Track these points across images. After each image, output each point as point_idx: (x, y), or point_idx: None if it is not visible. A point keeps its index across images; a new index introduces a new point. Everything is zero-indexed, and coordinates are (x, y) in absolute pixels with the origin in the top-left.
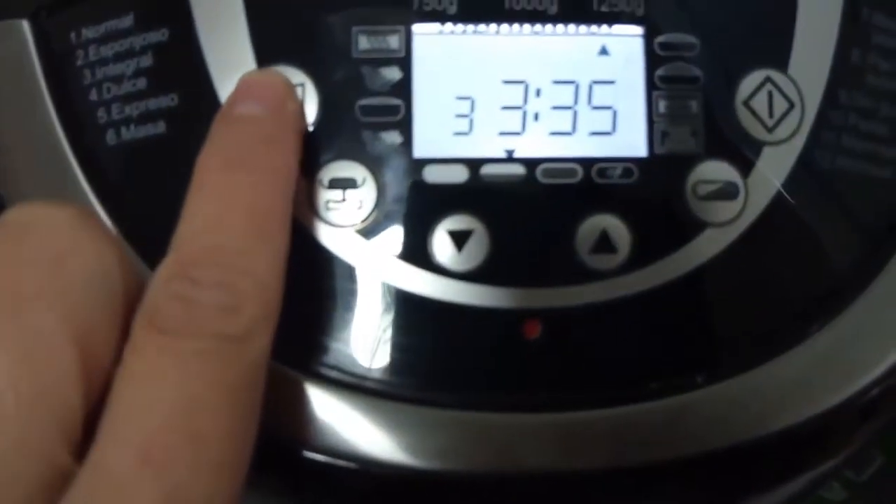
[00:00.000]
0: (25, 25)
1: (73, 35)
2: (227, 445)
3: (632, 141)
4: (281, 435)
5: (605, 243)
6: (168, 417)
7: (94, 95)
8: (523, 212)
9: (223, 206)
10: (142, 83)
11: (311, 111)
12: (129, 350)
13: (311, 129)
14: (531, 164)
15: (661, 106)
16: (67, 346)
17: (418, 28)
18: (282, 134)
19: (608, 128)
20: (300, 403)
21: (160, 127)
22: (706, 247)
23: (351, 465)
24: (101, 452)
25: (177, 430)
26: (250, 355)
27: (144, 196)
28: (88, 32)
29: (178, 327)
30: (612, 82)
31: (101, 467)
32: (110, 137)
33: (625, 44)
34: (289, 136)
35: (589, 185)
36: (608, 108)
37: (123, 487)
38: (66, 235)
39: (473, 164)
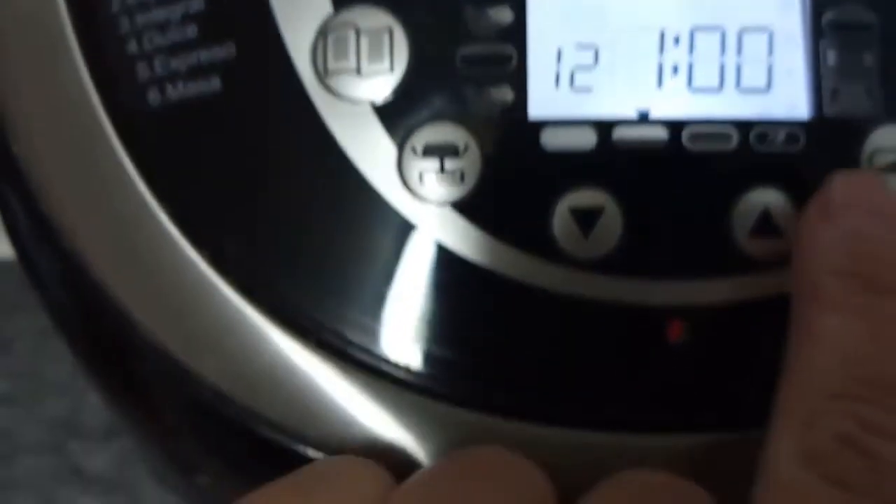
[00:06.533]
0: None
1: None
2: None
3: (791, 100)
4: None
5: (766, 224)
6: None
7: (132, 47)
8: (665, 186)
9: (879, 334)
10: (192, 31)
11: (400, 62)
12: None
13: (399, 83)
14: (675, 126)
15: (831, 58)
16: None
17: None
18: None
19: (762, 83)
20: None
21: (214, 84)
22: None
23: None
24: None
25: None
26: None
27: (193, 165)
28: None
29: (860, 486)
30: (765, 28)
31: None
32: (153, 97)
33: None
34: None
35: (747, 152)
36: (761, 59)
37: None
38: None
39: (602, 127)
